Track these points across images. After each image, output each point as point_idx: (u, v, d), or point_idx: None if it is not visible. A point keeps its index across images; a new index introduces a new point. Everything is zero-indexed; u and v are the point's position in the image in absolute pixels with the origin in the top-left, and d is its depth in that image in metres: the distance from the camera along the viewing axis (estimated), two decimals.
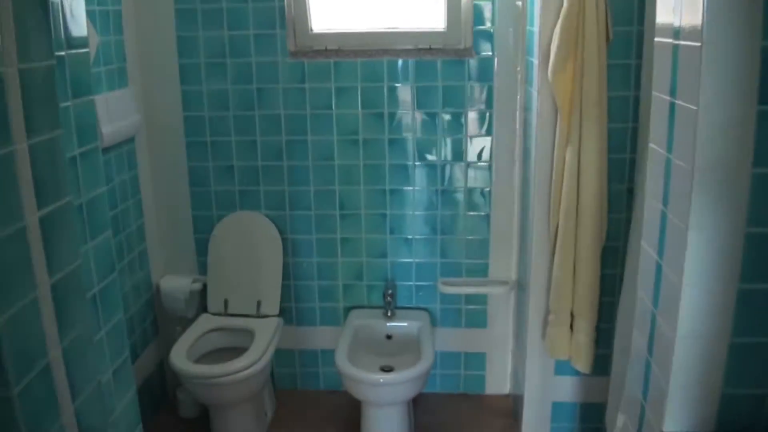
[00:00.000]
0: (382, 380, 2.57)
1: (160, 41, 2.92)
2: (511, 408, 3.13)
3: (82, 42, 1.40)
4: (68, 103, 1.35)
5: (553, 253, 2.44)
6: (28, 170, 0.94)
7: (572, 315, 2.42)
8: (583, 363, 2.41)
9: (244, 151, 3.04)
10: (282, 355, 3.29)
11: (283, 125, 2.98)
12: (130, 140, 2.88)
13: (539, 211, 2.49)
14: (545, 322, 2.54)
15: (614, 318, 2.49)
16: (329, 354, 3.19)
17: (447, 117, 2.92)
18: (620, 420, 1.98)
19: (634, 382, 1.56)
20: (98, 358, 1.50)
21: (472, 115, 2.91)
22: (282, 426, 3.07)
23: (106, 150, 2.63)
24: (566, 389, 2.70)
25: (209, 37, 2.90)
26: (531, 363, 2.65)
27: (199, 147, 3.05)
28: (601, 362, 2.49)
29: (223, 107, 2.99)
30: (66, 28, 1.33)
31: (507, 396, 3.23)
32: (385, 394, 2.63)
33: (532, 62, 2.55)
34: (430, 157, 2.98)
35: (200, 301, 3.21)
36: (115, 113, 2.61)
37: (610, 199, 2.36)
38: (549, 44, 2.28)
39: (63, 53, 1.32)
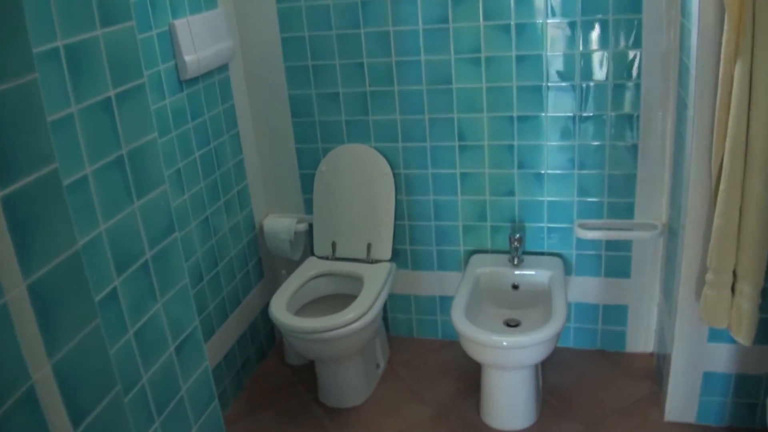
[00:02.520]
0: (505, 343, 2.30)
1: None
2: (654, 369, 2.79)
3: None
4: (95, 33, 1.14)
5: (714, 197, 2.03)
6: None
7: (735, 275, 2.03)
8: (744, 334, 2.04)
9: (349, 76, 2.79)
10: (397, 300, 3.11)
11: (393, 44, 2.69)
12: (223, 68, 2.69)
13: (698, 143, 2.10)
14: (701, 281, 2.16)
15: None
16: (448, 301, 2.97)
17: (586, 26, 2.52)
18: None
19: None
20: (155, 338, 1.33)
21: (616, 23, 2.48)
22: (395, 379, 2.91)
23: (192, 80, 2.45)
24: (720, 358, 2.34)
25: None
26: (681, 327, 2.31)
27: (300, 72, 2.83)
28: (763, 329, 2.12)
29: (325, 26, 2.73)
30: None
31: (651, 355, 2.89)
32: (509, 358, 2.38)
33: None
34: (566, 77, 2.60)
35: (307, 243, 3.06)
36: (201, 39, 2.41)
37: None
38: None
39: None
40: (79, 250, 0.86)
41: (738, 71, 1.85)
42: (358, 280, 2.74)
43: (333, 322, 2.45)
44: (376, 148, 2.85)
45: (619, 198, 2.69)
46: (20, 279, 0.78)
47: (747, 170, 1.90)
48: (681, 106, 2.36)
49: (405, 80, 2.73)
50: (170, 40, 2.29)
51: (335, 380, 2.73)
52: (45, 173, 0.80)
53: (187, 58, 2.33)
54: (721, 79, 1.92)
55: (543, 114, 2.66)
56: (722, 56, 1.90)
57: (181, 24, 2.30)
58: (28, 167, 0.78)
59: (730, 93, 1.90)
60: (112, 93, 1.19)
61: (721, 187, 1.96)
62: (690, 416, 2.46)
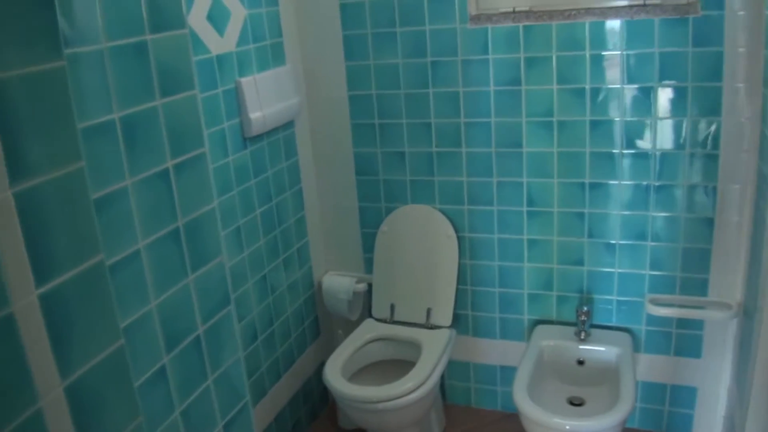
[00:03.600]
0: (568, 427, 2.17)
1: (321, 10, 2.70)
2: None
3: (176, 21, 1.14)
4: (154, 103, 1.10)
5: None
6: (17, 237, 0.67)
7: None
8: None
9: (416, 136, 2.74)
10: (455, 367, 3.01)
11: (462, 105, 2.64)
12: (288, 125, 2.68)
13: None
14: None
15: None
16: (509, 371, 2.86)
17: (664, 92, 2.42)
18: None
19: None
20: (203, 417, 1.28)
21: (695, 91, 2.38)
22: None
23: (257, 137, 2.44)
24: None
25: (376, 3, 2.63)
26: (753, 418, 2.13)
27: (366, 130, 2.81)
28: None
29: (393, 85, 2.71)
30: (150, 4, 1.08)
31: None
32: None
33: None
34: (641, 144, 2.50)
35: (365, 303, 2.99)
36: (267, 96, 2.41)
37: None
38: None
39: (145, 37, 1.08)
40: (122, 345, 0.81)
41: None
42: (416, 346, 2.65)
43: (389, 392, 2.37)
44: (441, 210, 2.79)
45: (692, 273, 2.55)
46: (58, 381, 0.73)
47: None
48: (761, 179, 2.23)
49: (473, 142, 2.68)
50: (236, 97, 2.29)
51: None
52: (89, 266, 0.76)
53: (253, 115, 2.32)
54: None
55: (616, 182, 2.56)
56: None
57: (247, 82, 2.30)
58: (71, 261, 0.74)
59: None
60: (170, 164, 1.16)
61: None
62: None
